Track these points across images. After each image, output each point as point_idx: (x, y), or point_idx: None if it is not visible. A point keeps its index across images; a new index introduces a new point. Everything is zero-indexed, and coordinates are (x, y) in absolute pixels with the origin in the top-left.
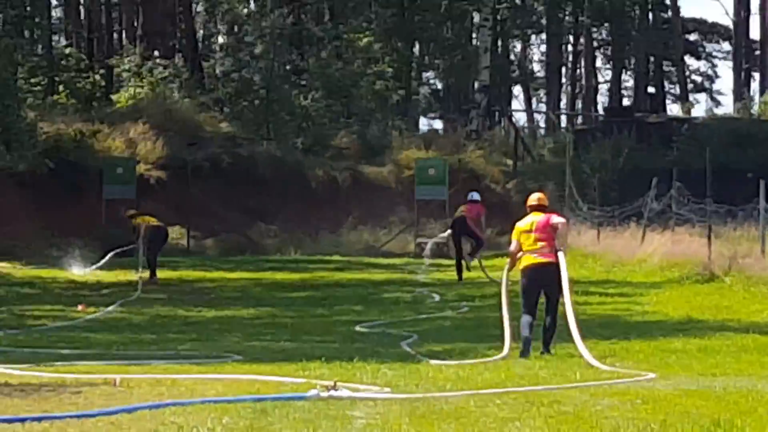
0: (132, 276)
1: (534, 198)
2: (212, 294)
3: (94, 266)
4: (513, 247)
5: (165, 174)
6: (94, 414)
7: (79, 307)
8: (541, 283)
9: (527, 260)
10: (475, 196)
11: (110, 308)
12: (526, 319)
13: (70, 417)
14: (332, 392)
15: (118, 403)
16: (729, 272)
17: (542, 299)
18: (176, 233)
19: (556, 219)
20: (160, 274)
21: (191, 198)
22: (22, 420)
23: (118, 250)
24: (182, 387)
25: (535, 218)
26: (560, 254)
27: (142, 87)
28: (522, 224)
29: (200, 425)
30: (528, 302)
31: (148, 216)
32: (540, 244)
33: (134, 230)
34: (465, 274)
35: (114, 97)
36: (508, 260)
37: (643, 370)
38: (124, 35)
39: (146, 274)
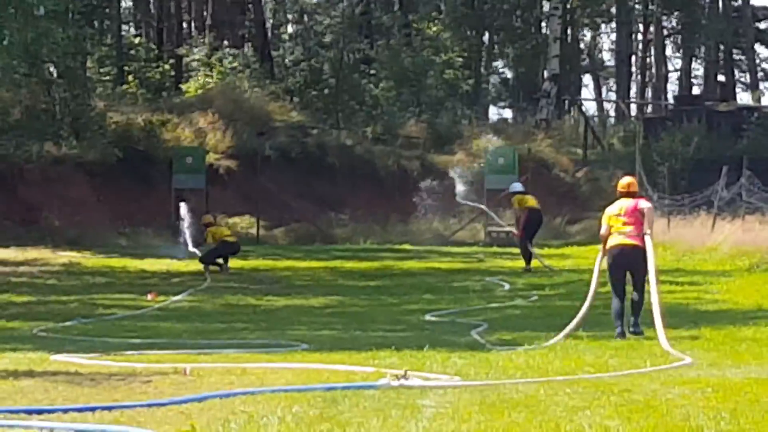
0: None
1: (624, 183)
2: (282, 283)
3: (193, 248)
4: (603, 230)
5: (234, 163)
6: (165, 403)
7: (149, 296)
8: (626, 263)
9: (613, 240)
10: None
11: (180, 297)
12: (615, 304)
13: (140, 406)
14: (402, 381)
15: (188, 392)
16: None
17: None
18: (246, 223)
19: (643, 204)
20: (234, 263)
21: (261, 187)
22: (92, 409)
23: (194, 249)
24: (252, 376)
25: (624, 203)
26: (647, 238)
27: (211, 76)
28: (611, 209)
29: (270, 414)
30: (614, 284)
31: (223, 228)
32: (628, 228)
33: (204, 238)
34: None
35: (183, 86)
36: (600, 246)
37: (713, 358)
38: (193, 25)
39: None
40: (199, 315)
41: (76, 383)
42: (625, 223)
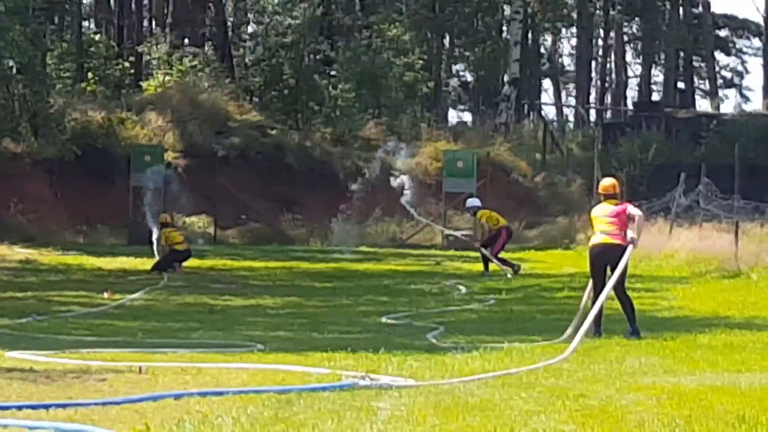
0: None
1: (607, 185)
2: (239, 283)
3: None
4: None
5: (192, 162)
6: (119, 401)
7: (105, 294)
8: (606, 260)
9: (595, 239)
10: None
11: (136, 295)
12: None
13: (95, 404)
14: (368, 381)
15: (143, 391)
16: (756, 268)
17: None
18: (203, 222)
19: (633, 210)
20: (189, 262)
21: (218, 187)
22: (47, 407)
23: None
24: (207, 376)
25: (609, 207)
26: (630, 247)
27: (171, 75)
28: (596, 211)
29: (225, 414)
30: (594, 281)
31: (176, 234)
32: (612, 228)
33: (160, 237)
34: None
35: (143, 84)
36: None
37: (669, 365)
38: (153, 23)
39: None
40: (155, 314)
41: (31, 380)
42: (608, 223)
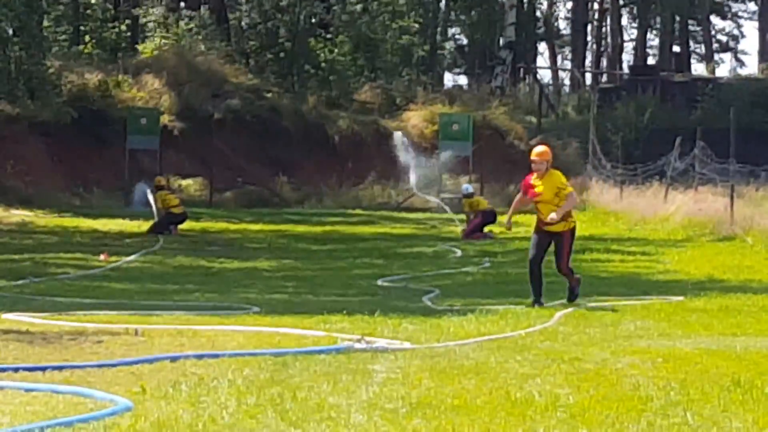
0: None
1: (539, 151)
2: (234, 245)
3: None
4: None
5: (188, 125)
6: (116, 364)
7: (101, 257)
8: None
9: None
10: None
11: (132, 257)
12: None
13: (91, 366)
14: (364, 345)
15: (139, 354)
16: (751, 232)
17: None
18: (198, 185)
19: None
20: (185, 225)
21: (214, 150)
22: (43, 369)
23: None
24: (203, 338)
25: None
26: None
27: (167, 38)
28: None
29: (221, 377)
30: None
31: (172, 196)
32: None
33: (156, 200)
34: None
35: (139, 47)
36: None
37: (664, 328)
38: None
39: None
40: (152, 276)
41: (27, 342)
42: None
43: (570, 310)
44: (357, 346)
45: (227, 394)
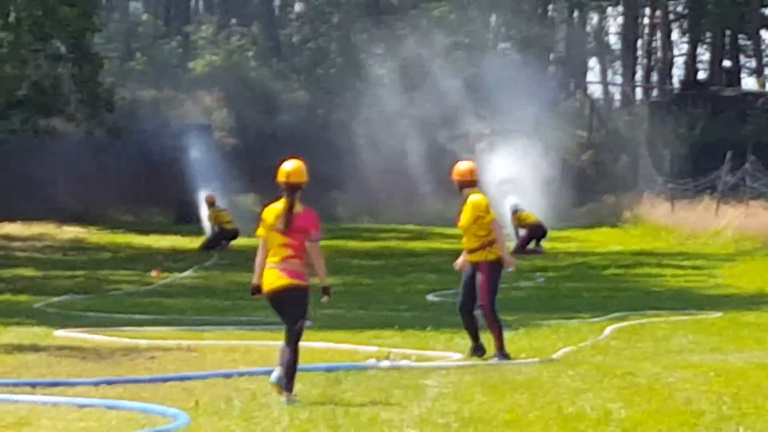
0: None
1: (464, 169)
2: None
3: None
4: (500, 231)
5: (240, 141)
6: (168, 379)
7: (153, 273)
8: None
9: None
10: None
11: (185, 274)
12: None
13: (144, 381)
14: (392, 362)
15: (191, 369)
16: None
17: None
18: (250, 201)
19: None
20: (238, 241)
21: (265, 165)
22: (96, 383)
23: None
24: (256, 354)
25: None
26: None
27: (218, 55)
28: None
29: (273, 392)
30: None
31: (224, 213)
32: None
33: (209, 217)
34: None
35: (190, 64)
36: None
37: (716, 342)
38: (201, 3)
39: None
40: (204, 292)
41: (80, 358)
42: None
43: (624, 324)
44: (382, 364)
45: (280, 410)
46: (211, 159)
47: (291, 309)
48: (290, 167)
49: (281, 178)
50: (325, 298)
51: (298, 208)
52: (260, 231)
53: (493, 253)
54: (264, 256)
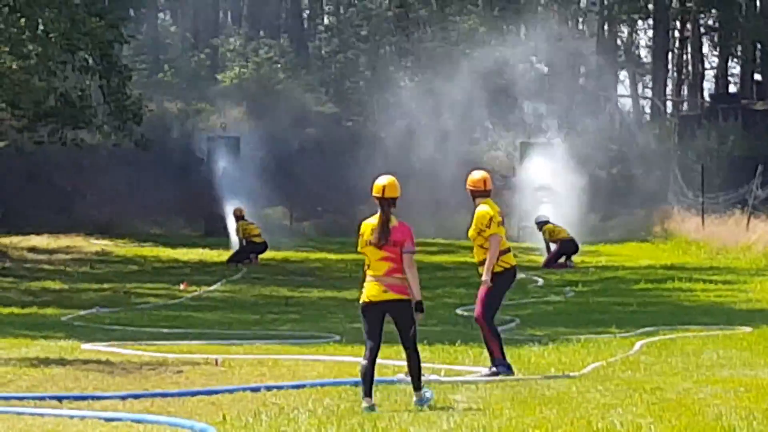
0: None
1: (479, 178)
2: (315, 274)
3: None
4: (497, 243)
5: (268, 153)
6: (195, 393)
7: (181, 286)
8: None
9: (510, 258)
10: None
11: (213, 287)
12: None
13: (171, 395)
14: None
15: (219, 383)
16: None
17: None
18: (278, 213)
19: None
20: (264, 254)
21: (293, 178)
22: (123, 397)
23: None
24: (283, 368)
25: (495, 207)
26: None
27: (246, 67)
28: (492, 212)
29: (301, 407)
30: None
31: (253, 226)
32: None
33: (237, 230)
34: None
35: (219, 76)
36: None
37: (746, 357)
38: (229, 15)
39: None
40: (232, 305)
41: (107, 372)
42: (504, 234)
43: (654, 339)
44: (406, 379)
45: (308, 425)
46: (239, 171)
47: (401, 320)
48: (385, 182)
49: (377, 193)
50: (419, 316)
51: (394, 221)
52: (359, 247)
53: (499, 266)
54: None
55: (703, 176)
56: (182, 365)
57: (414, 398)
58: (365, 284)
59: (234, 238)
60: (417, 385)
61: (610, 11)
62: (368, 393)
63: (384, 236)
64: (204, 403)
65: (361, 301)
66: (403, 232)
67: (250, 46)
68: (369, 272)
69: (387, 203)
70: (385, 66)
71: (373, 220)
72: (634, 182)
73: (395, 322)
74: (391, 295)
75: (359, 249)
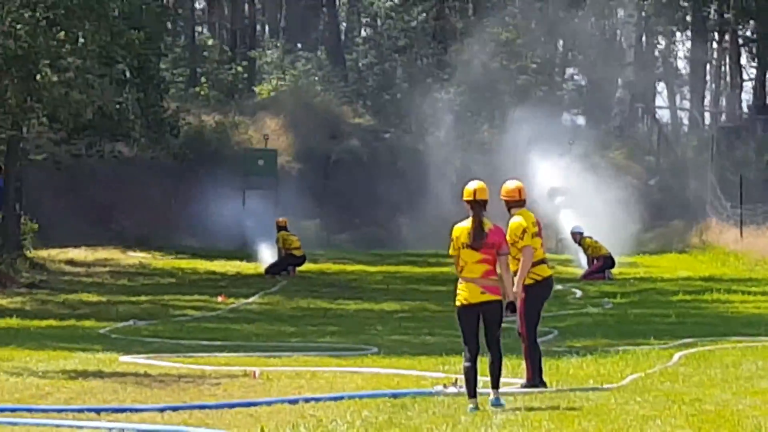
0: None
1: (514, 187)
2: (353, 287)
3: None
4: (530, 255)
5: (306, 166)
6: (233, 405)
7: (219, 298)
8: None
9: (544, 269)
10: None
11: (251, 299)
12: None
13: (210, 407)
14: (456, 388)
15: (257, 395)
16: None
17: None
18: (315, 226)
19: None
20: (303, 267)
21: (331, 190)
22: (162, 410)
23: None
24: (321, 380)
25: (531, 216)
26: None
27: (283, 79)
28: (526, 223)
29: (339, 419)
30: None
31: (294, 238)
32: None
33: (276, 239)
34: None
35: (256, 89)
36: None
37: None
38: (267, 27)
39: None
40: (270, 318)
41: (145, 384)
42: (541, 245)
43: (692, 350)
44: (449, 390)
45: None
46: (276, 184)
47: (491, 319)
48: (476, 186)
49: (468, 197)
50: (508, 314)
51: (489, 224)
52: (451, 250)
53: (531, 278)
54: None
55: (742, 187)
56: (220, 377)
57: (491, 396)
58: (460, 287)
59: (273, 248)
60: (495, 384)
61: (648, 22)
62: (472, 394)
63: (482, 238)
64: (242, 415)
65: (458, 305)
66: (499, 235)
67: (287, 59)
68: (464, 275)
69: (479, 206)
70: (422, 78)
71: (465, 224)
72: (672, 194)
73: (485, 320)
74: (488, 297)
75: (451, 252)
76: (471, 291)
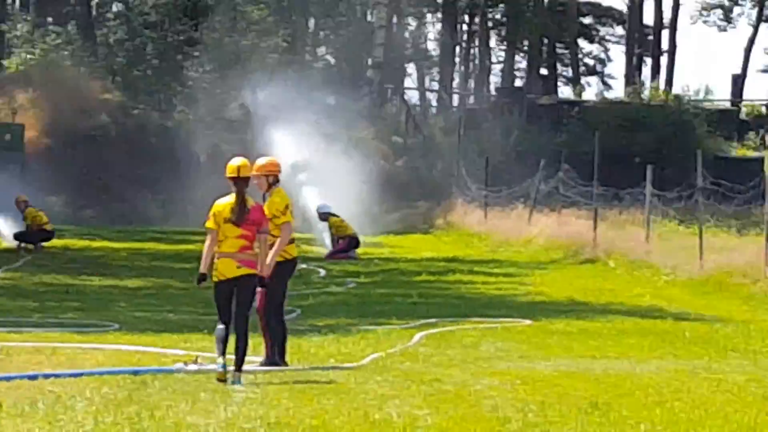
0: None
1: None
2: (97, 263)
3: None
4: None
5: (54, 141)
6: None
7: None
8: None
9: (293, 250)
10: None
11: None
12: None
13: None
14: (196, 366)
15: None
16: (613, 255)
17: None
18: (62, 201)
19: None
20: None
21: (78, 165)
22: None
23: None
24: (62, 356)
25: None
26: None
27: (33, 53)
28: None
29: (78, 395)
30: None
31: (42, 214)
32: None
33: (24, 217)
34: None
35: (5, 62)
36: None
37: (524, 350)
38: (17, 1)
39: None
40: (12, 293)
41: None
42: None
43: (433, 331)
44: (189, 367)
45: (84, 413)
46: (22, 158)
47: (244, 296)
48: (239, 162)
49: (231, 173)
50: (260, 289)
51: (251, 202)
52: (210, 223)
53: (281, 256)
54: (212, 246)
55: (487, 169)
56: None
57: (232, 377)
58: (217, 261)
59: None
60: (239, 364)
61: (399, 3)
62: (222, 352)
63: (243, 214)
64: None
65: (215, 280)
66: (261, 212)
67: (37, 33)
68: (222, 249)
69: (242, 182)
70: (173, 54)
71: (228, 199)
72: (419, 174)
73: (237, 295)
74: (244, 270)
75: (209, 226)
76: (227, 266)
